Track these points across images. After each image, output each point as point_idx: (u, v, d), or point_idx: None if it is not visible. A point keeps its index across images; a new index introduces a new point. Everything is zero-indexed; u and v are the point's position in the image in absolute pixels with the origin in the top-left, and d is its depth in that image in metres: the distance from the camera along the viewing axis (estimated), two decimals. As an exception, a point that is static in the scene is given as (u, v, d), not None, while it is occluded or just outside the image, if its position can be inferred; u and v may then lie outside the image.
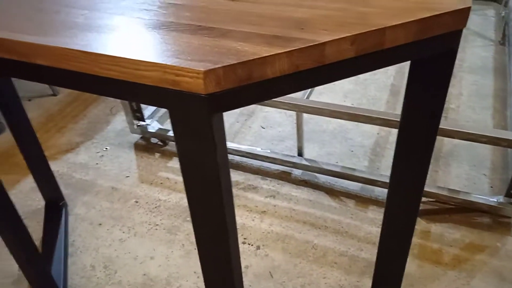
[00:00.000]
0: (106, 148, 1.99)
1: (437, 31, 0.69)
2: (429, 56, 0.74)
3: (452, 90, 2.21)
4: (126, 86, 0.63)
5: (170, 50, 0.61)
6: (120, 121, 2.16)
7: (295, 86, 0.65)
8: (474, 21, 2.80)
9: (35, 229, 1.60)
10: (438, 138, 1.87)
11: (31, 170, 1.60)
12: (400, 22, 0.65)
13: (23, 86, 2.46)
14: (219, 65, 0.57)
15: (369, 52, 0.66)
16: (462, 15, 0.69)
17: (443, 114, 2.05)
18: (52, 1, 0.82)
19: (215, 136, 0.64)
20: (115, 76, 0.63)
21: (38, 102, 2.35)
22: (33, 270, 1.24)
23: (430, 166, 1.77)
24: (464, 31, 2.70)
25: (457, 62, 2.42)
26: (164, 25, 0.69)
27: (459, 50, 2.52)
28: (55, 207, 1.65)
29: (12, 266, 1.49)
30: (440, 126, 1.44)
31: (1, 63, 0.72)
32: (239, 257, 0.85)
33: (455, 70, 2.35)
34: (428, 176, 1.72)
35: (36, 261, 1.23)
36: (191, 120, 0.62)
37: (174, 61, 0.58)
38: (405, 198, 1.01)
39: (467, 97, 2.15)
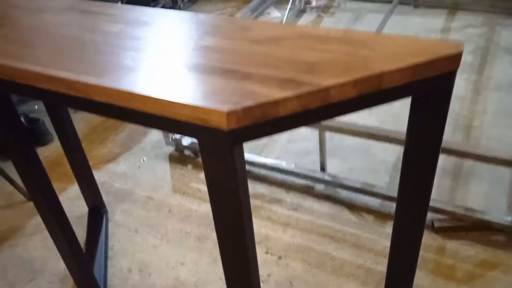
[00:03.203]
0: (143, 159, 2.15)
1: (431, 73, 0.78)
2: (425, 93, 0.84)
3: (477, 107, 2.25)
4: (166, 120, 0.76)
5: (201, 92, 0.74)
6: (156, 133, 2.32)
7: (303, 122, 0.76)
8: (505, 37, 2.81)
9: (79, 234, 1.75)
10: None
11: (77, 179, 1.77)
12: (396, 68, 0.76)
13: (69, 100, 2.66)
14: (239, 107, 0.70)
15: (369, 92, 0.77)
16: (455, 59, 0.79)
17: (466, 132, 2.10)
18: (108, 43, 0.97)
19: (236, 162, 0.76)
20: (157, 112, 0.76)
21: (83, 114, 2.55)
22: (78, 269, 1.39)
23: (449, 184, 1.83)
24: (494, 47, 2.72)
25: (484, 79, 2.45)
26: (197, 67, 0.82)
27: (488, 67, 2.55)
28: (97, 213, 1.82)
29: (59, 265, 1.66)
30: (456, 148, 1.51)
31: (64, 97, 0.87)
32: (257, 264, 0.97)
33: (480, 87, 2.39)
34: (447, 193, 1.78)
35: (81, 261, 1.39)
36: (216, 149, 0.75)
37: (203, 103, 0.71)
38: (412, 213, 1.10)
39: (492, 115, 2.19)
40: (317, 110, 0.75)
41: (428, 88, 0.81)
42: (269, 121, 0.73)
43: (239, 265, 0.91)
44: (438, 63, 0.78)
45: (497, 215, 1.58)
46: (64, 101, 0.90)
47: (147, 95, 0.75)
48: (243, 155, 0.79)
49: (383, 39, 0.85)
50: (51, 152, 2.26)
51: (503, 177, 1.82)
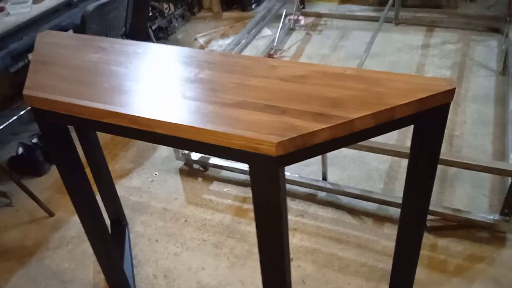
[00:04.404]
0: (155, 174, 2.31)
1: (431, 105, 0.98)
2: (426, 121, 1.03)
3: (457, 118, 2.48)
4: (221, 149, 0.94)
5: (250, 125, 0.92)
6: (165, 148, 2.47)
7: (333, 147, 0.95)
8: (478, 52, 3.07)
9: (104, 244, 1.91)
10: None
11: (100, 192, 1.91)
12: (405, 102, 0.95)
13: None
14: (285, 138, 0.88)
15: (384, 122, 0.96)
16: (450, 93, 0.99)
17: (449, 141, 2.33)
18: (155, 81, 1.14)
19: (280, 182, 0.94)
20: (213, 142, 0.93)
21: (91, 132, 2.68)
22: (115, 273, 1.54)
23: (437, 188, 2.04)
24: (469, 62, 2.98)
25: (462, 92, 2.69)
26: (240, 103, 1.00)
27: (465, 80, 2.80)
28: (119, 225, 1.97)
29: (88, 275, 1.80)
30: (443, 157, 1.73)
31: (128, 130, 1.03)
32: (290, 265, 1.15)
33: (460, 99, 2.63)
34: (435, 197, 2.00)
35: (117, 266, 1.53)
36: (265, 172, 0.93)
37: (255, 135, 0.89)
38: (415, 216, 1.30)
39: (470, 125, 2.43)
40: (344, 138, 0.94)
41: (429, 117, 1.01)
42: (307, 148, 0.92)
43: (277, 268, 1.09)
44: (437, 97, 0.98)
45: (481, 214, 1.80)
46: (123, 132, 1.07)
47: (208, 129, 0.93)
48: (284, 176, 0.97)
49: (391, 76, 1.04)
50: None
51: (484, 181, 2.05)
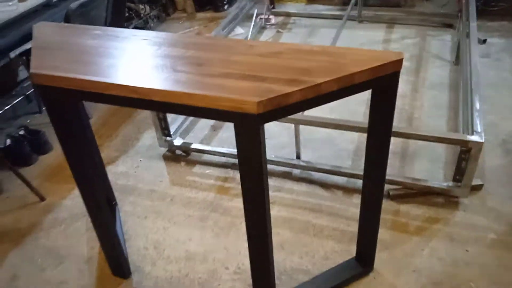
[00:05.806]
0: (140, 160, 2.45)
1: (384, 73, 1.19)
2: (380, 86, 1.24)
3: (416, 103, 2.74)
4: (210, 111, 1.11)
5: (235, 90, 1.10)
6: (147, 138, 2.62)
7: (304, 107, 1.15)
8: (434, 45, 3.36)
9: (96, 223, 2.05)
10: (404, 140, 2.39)
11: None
12: (362, 69, 1.16)
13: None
14: (264, 98, 1.07)
15: (346, 86, 1.16)
16: (398, 63, 1.20)
17: (409, 122, 2.57)
18: (149, 60, 1.31)
19: (261, 136, 1.12)
20: (204, 105, 1.11)
21: (75, 125, 2.80)
22: (113, 245, 1.69)
23: (399, 163, 2.27)
24: (426, 54, 3.25)
25: (420, 80, 2.96)
26: (226, 74, 1.18)
27: (423, 70, 3.07)
28: (110, 205, 2.10)
29: (82, 250, 1.93)
30: (401, 131, 1.95)
31: (128, 100, 1.20)
32: (270, 219, 1.33)
33: (418, 87, 2.89)
34: (397, 170, 2.23)
35: (116, 236, 1.68)
36: (248, 128, 1.11)
37: (240, 97, 1.07)
38: (374, 183, 1.50)
39: (428, 108, 2.68)
40: (312, 99, 1.14)
41: (382, 83, 1.22)
42: (282, 107, 1.11)
43: (258, 215, 1.27)
44: (389, 66, 1.19)
45: (437, 182, 2.03)
46: (124, 102, 1.23)
47: (199, 93, 1.10)
48: (264, 132, 1.16)
49: (352, 51, 1.25)
50: (54, 158, 2.50)
51: (439, 156, 2.29)
